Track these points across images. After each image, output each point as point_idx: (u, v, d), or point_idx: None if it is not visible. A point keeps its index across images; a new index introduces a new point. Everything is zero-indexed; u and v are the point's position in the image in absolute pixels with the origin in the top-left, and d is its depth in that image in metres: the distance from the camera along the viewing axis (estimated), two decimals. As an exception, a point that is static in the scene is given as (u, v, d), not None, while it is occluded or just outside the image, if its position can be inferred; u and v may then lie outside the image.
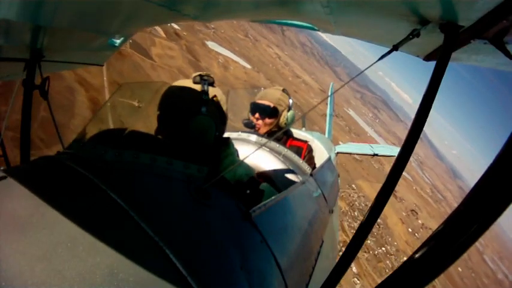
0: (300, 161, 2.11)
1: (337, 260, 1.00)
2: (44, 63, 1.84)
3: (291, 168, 1.94)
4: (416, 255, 0.75)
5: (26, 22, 1.19)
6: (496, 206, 0.65)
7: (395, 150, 6.69)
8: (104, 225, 0.75)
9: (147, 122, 1.29)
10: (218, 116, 1.27)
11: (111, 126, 1.21)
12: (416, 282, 0.73)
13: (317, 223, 1.83)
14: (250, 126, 2.40)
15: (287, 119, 2.42)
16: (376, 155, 6.62)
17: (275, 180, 1.62)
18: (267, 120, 2.39)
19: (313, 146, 2.70)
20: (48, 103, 1.95)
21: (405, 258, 0.86)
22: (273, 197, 1.32)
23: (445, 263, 0.70)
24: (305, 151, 2.49)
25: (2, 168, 0.92)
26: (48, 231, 0.68)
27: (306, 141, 2.57)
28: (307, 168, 2.10)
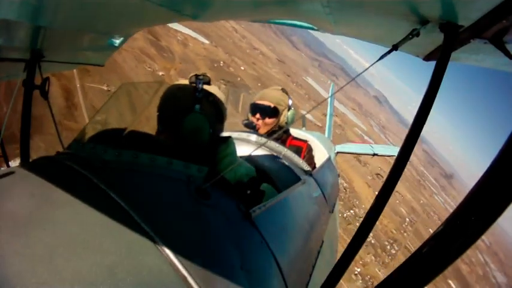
0: (300, 161, 2.11)
1: (337, 260, 1.00)
2: (44, 63, 1.84)
3: (291, 168, 1.94)
4: (416, 255, 0.75)
5: (26, 22, 1.19)
6: (496, 205, 0.65)
7: (395, 150, 6.70)
8: (103, 225, 0.74)
9: (147, 122, 1.29)
10: (214, 114, 1.27)
11: (111, 126, 1.21)
12: (416, 282, 0.73)
13: (317, 223, 1.83)
14: (250, 127, 2.40)
15: (287, 119, 2.42)
16: (376, 154, 6.63)
17: (275, 180, 1.61)
18: (268, 120, 2.40)
19: (313, 146, 2.70)
20: (48, 103, 1.95)
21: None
22: (273, 197, 1.32)
23: (445, 263, 0.70)
24: (305, 151, 2.49)
25: (2, 168, 0.92)
26: (48, 231, 0.68)
27: (305, 141, 2.58)
28: (307, 168, 2.10)
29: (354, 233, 0.97)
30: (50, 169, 0.86)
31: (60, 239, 0.67)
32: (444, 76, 0.93)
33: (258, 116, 2.40)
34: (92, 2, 1.13)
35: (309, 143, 2.59)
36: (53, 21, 1.23)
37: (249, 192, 1.19)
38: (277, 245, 1.16)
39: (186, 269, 0.74)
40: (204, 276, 0.77)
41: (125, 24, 1.67)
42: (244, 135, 2.19)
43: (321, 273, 1.45)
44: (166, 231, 0.78)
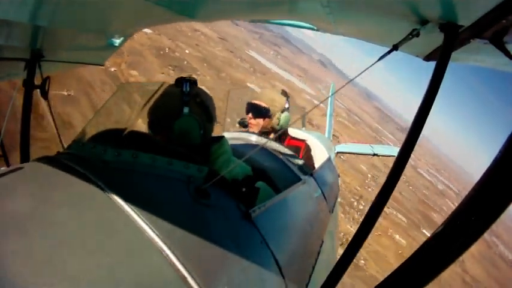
0: (300, 161, 2.11)
1: (337, 260, 1.00)
2: (44, 63, 1.84)
3: (291, 168, 1.94)
4: (417, 255, 0.75)
5: (26, 22, 1.19)
6: (496, 205, 0.65)
7: (395, 150, 6.70)
8: (103, 225, 0.74)
9: (147, 122, 1.30)
10: (203, 115, 1.28)
11: (111, 126, 1.22)
12: (416, 282, 0.73)
13: (317, 223, 1.83)
14: (243, 125, 2.45)
15: (279, 120, 2.44)
16: (376, 154, 6.63)
17: (275, 180, 1.61)
18: (259, 120, 2.43)
19: (313, 146, 2.70)
20: (48, 103, 1.95)
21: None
22: (273, 197, 1.32)
23: (445, 263, 0.70)
24: (303, 150, 2.50)
25: (2, 168, 0.92)
26: (48, 231, 0.68)
27: (303, 141, 2.58)
28: (307, 168, 2.10)
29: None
30: (50, 169, 0.86)
31: (60, 239, 0.67)
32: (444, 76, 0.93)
33: (250, 115, 2.43)
34: (91, 2, 1.13)
35: (307, 142, 2.60)
36: (53, 21, 1.23)
37: (244, 190, 1.19)
38: (277, 245, 1.16)
39: (186, 269, 0.74)
40: (204, 276, 0.77)
41: (124, 24, 1.67)
42: (244, 135, 2.19)
43: (321, 273, 1.45)
44: (166, 231, 0.78)
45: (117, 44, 2.02)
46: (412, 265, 0.75)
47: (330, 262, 1.82)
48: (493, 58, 1.07)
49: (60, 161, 0.88)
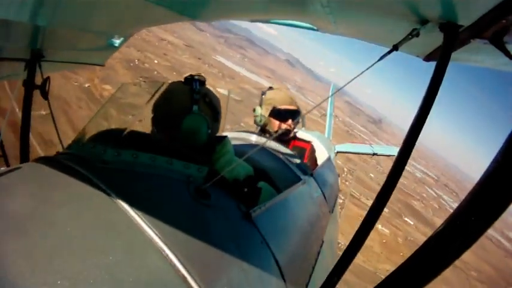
0: (300, 161, 2.11)
1: (337, 260, 1.00)
2: (44, 63, 1.84)
3: (291, 168, 1.94)
4: (417, 255, 0.75)
5: (26, 22, 1.19)
6: (496, 205, 0.65)
7: (395, 150, 6.69)
8: (103, 225, 0.74)
9: (147, 122, 1.29)
10: (211, 115, 1.28)
11: (111, 126, 1.22)
12: (416, 282, 0.73)
13: (317, 223, 1.83)
14: (288, 134, 2.43)
15: (259, 118, 2.47)
16: (376, 154, 6.63)
17: (275, 180, 1.61)
18: (295, 124, 2.47)
19: (315, 147, 2.71)
20: (48, 103, 1.96)
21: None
22: (271, 197, 1.32)
23: (445, 262, 0.70)
24: (308, 152, 2.50)
25: (2, 168, 0.92)
26: (48, 231, 0.68)
27: (309, 142, 2.59)
28: (307, 168, 2.10)
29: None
30: (49, 169, 0.86)
31: (60, 239, 0.67)
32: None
33: (290, 122, 2.43)
34: (91, 2, 1.13)
35: (312, 144, 2.60)
36: (53, 21, 1.23)
37: (246, 190, 1.19)
38: (277, 245, 1.16)
39: (186, 269, 0.74)
40: (204, 276, 0.77)
41: (124, 24, 1.67)
42: (243, 135, 2.19)
43: (321, 273, 1.45)
44: (166, 231, 0.78)
45: (117, 44, 2.02)
46: (412, 265, 0.75)
47: (330, 262, 1.82)
48: (493, 58, 1.07)
49: (59, 161, 0.88)
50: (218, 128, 1.37)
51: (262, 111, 2.44)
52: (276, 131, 2.40)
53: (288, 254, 1.27)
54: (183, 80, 1.30)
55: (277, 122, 2.43)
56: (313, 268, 1.50)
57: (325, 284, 0.97)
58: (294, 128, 2.46)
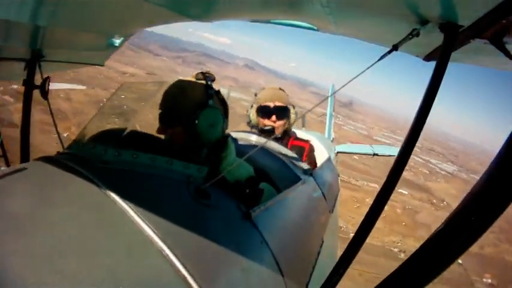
0: (300, 161, 2.11)
1: (337, 260, 1.00)
2: (44, 63, 1.84)
3: (291, 168, 1.94)
4: (417, 255, 0.75)
5: (26, 22, 1.19)
6: (496, 205, 0.65)
7: (395, 150, 6.70)
8: (103, 225, 0.75)
9: (147, 122, 1.29)
10: (223, 110, 1.30)
11: (111, 126, 1.21)
12: (416, 282, 0.73)
13: (317, 223, 1.83)
14: (269, 131, 2.36)
15: (249, 117, 2.46)
16: (376, 154, 6.64)
17: (275, 180, 1.61)
18: (283, 122, 2.42)
19: (313, 146, 2.70)
20: (48, 103, 1.96)
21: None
22: (273, 197, 1.32)
23: (445, 262, 0.70)
24: (307, 151, 2.49)
25: (2, 168, 0.92)
26: (48, 231, 0.68)
27: (307, 141, 2.58)
28: (307, 168, 2.09)
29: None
30: (50, 169, 0.86)
31: (60, 239, 0.67)
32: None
33: (274, 118, 2.39)
34: (91, 2, 1.13)
35: (311, 143, 2.59)
36: (53, 21, 1.23)
37: (247, 191, 1.19)
38: (278, 245, 1.16)
39: (186, 269, 0.74)
40: (204, 276, 0.77)
41: (124, 24, 1.67)
42: (243, 135, 2.19)
43: (321, 273, 1.45)
44: (166, 231, 0.78)
45: (117, 44, 2.02)
46: (412, 265, 0.75)
47: (330, 262, 1.82)
48: (493, 58, 1.07)
49: (60, 161, 0.88)
50: (227, 125, 1.37)
51: (252, 111, 2.45)
52: (262, 129, 2.37)
53: (288, 254, 1.27)
54: (191, 78, 1.31)
55: (261, 120, 2.42)
56: (313, 268, 1.50)
57: (325, 284, 0.97)
58: (283, 125, 2.41)
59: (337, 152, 5.55)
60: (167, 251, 0.74)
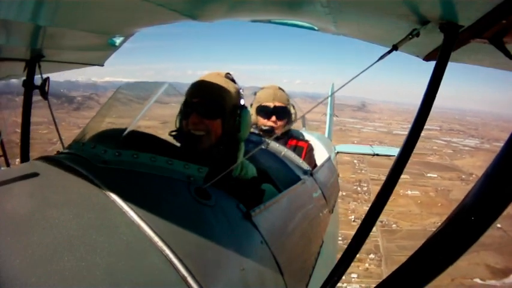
0: (300, 161, 2.11)
1: (337, 260, 1.00)
2: (44, 63, 1.84)
3: (291, 168, 1.94)
4: (417, 255, 0.75)
5: (26, 22, 1.19)
6: (495, 205, 0.65)
7: (395, 151, 6.70)
8: (103, 225, 0.74)
9: (149, 122, 1.29)
10: None
11: (111, 127, 1.21)
12: (417, 282, 0.73)
13: (317, 223, 1.83)
14: (269, 132, 2.35)
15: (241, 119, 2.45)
16: (377, 154, 6.64)
17: (275, 180, 1.61)
18: (283, 122, 2.41)
19: (313, 146, 2.70)
20: (48, 103, 1.96)
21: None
22: (273, 197, 1.32)
23: (445, 262, 0.70)
24: (306, 151, 2.48)
25: (2, 168, 0.92)
26: (48, 231, 0.68)
27: (306, 141, 2.57)
28: (307, 168, 2.09)
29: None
30: (50, 169, 0.86)
31: (60, 239, 0.67)
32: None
33: (274, 118, 2.38)
34: (91, 2, 1.13)
35: (310, 143, 2.59)
36: (53, 21, 1.23)
37: (249, 191, 1.19)
38: (277, 245, 1.16)
39: (186, 269, 0.74)
40: (204, 277, 0.77)
41: (124, 24, 1.67)
42: None
43: (321, 273, 1.45)
44: (166, 231, 0.78)
45: (117, 44, 2.02)
46: (413, 265, 0.75)
47: (330, 262, 1.82)
48: (493, 58, 1.07)
49: (60, 161, 0.88)
50: None
51: (251, 111, 2.42)
52: (261, 129, 2.36)
53: (288, 254, 1.27)
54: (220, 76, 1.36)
55: (261, 119, 2.41)
56: (313, 268, 1.50)
57: (325, 284, 0.97)
58: (283, 126, 2.40)
59: (337, 152, 5.55)
60: (167, 251, 0.74)
